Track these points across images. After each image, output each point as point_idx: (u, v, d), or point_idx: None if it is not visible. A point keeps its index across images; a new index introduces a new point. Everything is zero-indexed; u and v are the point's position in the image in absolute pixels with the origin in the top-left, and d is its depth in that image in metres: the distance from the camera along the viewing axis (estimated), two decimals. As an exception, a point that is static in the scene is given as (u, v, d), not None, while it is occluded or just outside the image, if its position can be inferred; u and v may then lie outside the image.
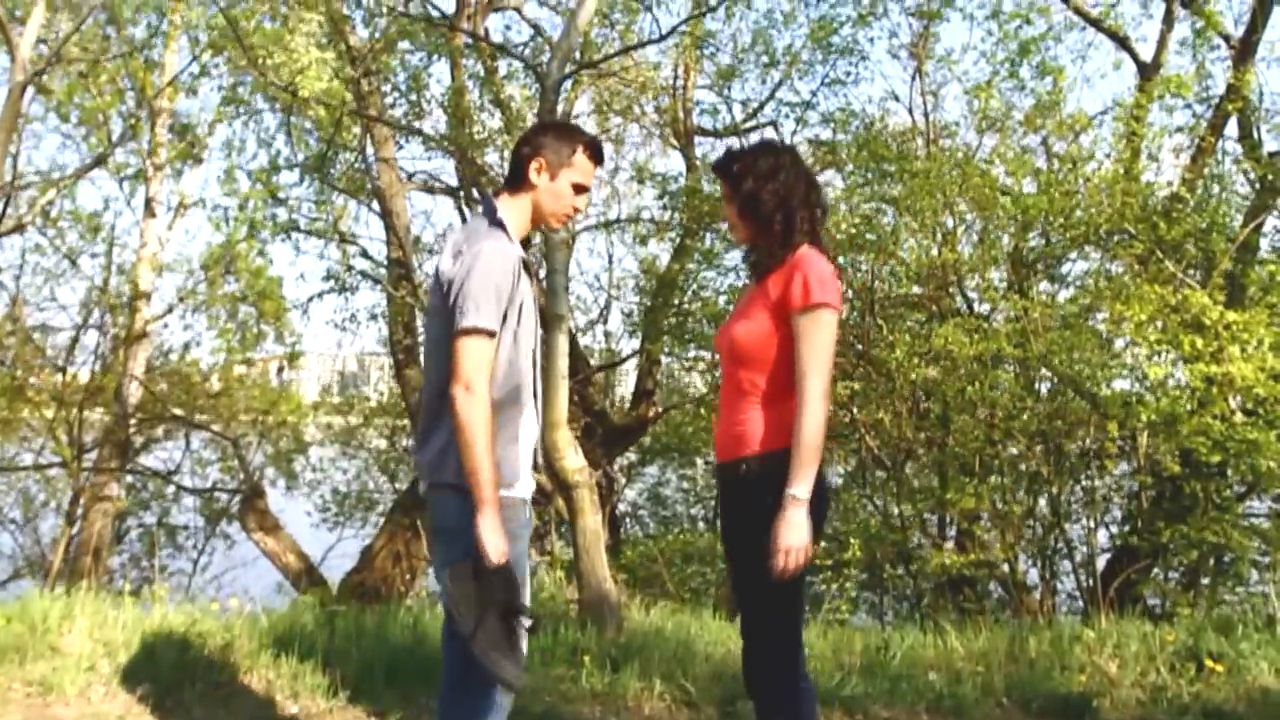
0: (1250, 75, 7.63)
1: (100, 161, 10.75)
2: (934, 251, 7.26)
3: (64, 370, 11.38)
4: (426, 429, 2.72)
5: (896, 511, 7.30)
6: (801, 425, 2.57)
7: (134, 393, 11.86)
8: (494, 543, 2.54)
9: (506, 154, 9.34)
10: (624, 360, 12.03)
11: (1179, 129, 8.34)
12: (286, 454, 14.30)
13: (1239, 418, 6.19)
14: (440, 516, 2.72)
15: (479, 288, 2.58)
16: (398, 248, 9.49)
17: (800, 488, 2.54)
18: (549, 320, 5.33)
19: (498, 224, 2.72)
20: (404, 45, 9.21)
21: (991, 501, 6.75)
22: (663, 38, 6.48)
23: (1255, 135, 8.44)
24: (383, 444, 14.62)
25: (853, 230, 7.41)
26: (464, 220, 9.66)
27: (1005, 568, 7.00)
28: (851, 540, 6.48)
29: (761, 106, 10.05)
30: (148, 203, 12.38)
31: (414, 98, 9.34)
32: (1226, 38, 8.53)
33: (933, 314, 7.83)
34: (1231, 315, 5.96)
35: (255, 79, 7.85)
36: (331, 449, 14.86)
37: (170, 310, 12.91)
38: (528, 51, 10.00)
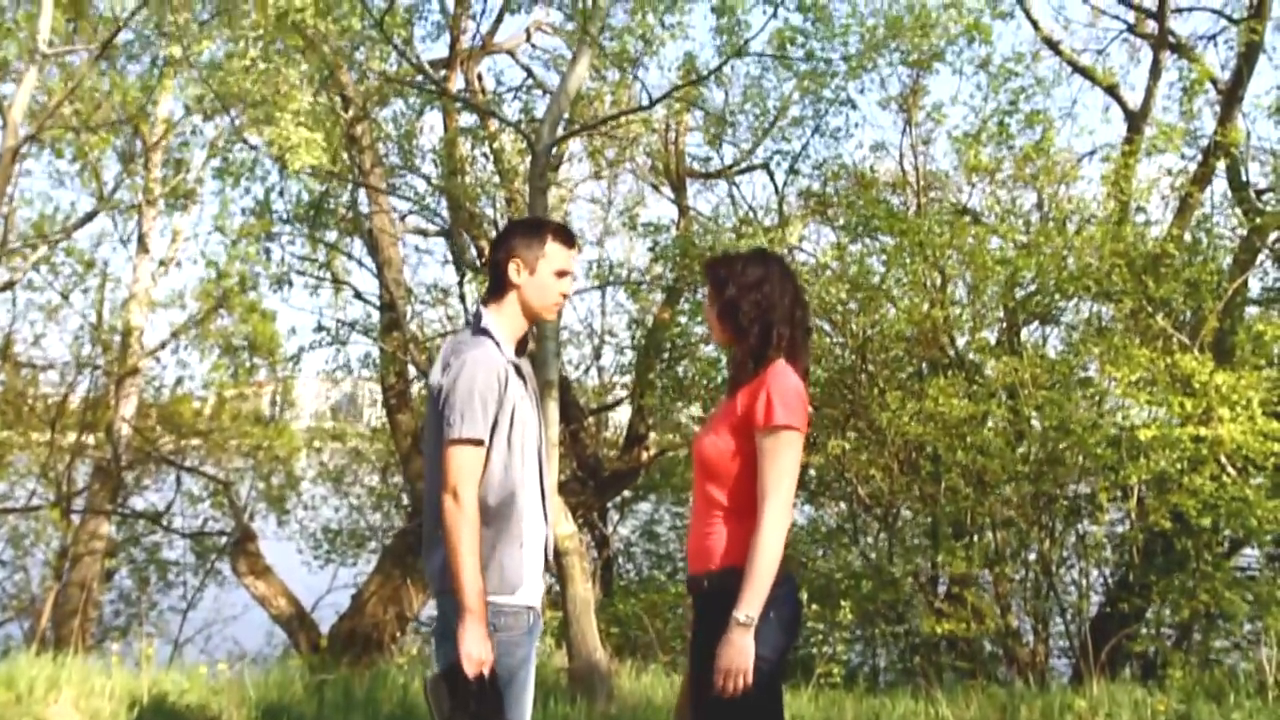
0: (1236, 134, 7.70)
1: (92, 217, 10.73)
2: (925, 308, 7.29)
3: (54, 424, 11.31)
4: (430, 539, 2.74)
5: (890, 565, 7.29)
6: (755, 548, 2.52)
7: (126, 432, 11.80)
8: (473, 654, 2.54)
9: (499, 202, 9.43)
10: (616, 405, 12.02)
11: (1168, 171, 8.38)
12: (279, 489, 14.23)
13: (1229, 474, 6.20)
14: (443, 621, 2.72)
15: (463, 398, 2.63)
16: (388, 295, 9.54)
17: (746, 610, 2.49)
18: (540, 388, 5.33)
19: (482, 332, 2.77)
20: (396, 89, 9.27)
21: (984, 560, 6.76)
22: (652, 105, 6.54)
23: (1244, 180, 8.47)
24: (375, 479, 14.55)
25: (843, 294, 7.45)
26: (457, 267, 9.71)
27: (999, 619, 6.99)
28: (843, 602, 6.46)
29: (753, 149, 10.11)
30: (141, 239, 12.37)
31: (407, 147, 9.41)
32: (1214, 81, 8.58)
33: (923, 362, 7.85)
34: (1221, 377, 5.97)
35: (240, 128, 7.93)
36: (323, 486, 14.77)
37: (163, 345, 12.88)
38: (521, 98, 10.13)
